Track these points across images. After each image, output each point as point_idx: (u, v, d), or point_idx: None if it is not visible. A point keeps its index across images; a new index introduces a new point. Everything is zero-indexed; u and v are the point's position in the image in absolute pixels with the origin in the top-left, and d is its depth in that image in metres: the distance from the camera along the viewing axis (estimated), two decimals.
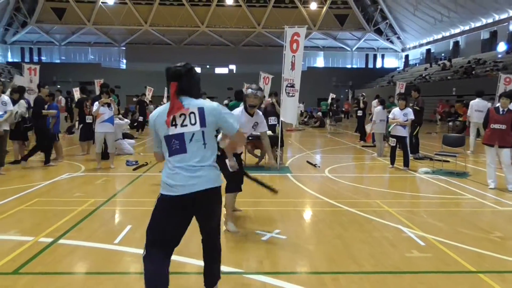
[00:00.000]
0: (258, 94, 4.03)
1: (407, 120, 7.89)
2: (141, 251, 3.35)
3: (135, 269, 3.19)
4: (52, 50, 45.29)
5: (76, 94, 17.64)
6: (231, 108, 9.19)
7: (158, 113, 2.40)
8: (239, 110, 4.22)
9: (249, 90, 4.07)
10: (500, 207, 5.28)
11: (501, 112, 6.15)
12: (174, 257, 3.35)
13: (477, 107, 10.40)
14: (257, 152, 8.42)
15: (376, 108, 10.31)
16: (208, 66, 44.88)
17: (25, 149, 8.54)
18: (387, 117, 10.62)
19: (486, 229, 4.30)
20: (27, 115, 8.41)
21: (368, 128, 11.86)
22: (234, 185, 4.14)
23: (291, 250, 3.66)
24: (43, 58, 44.12)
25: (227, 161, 3.77)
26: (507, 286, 2.90)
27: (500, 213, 5.08)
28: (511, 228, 4.48)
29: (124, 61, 45.99)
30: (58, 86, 33.07)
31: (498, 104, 6.34)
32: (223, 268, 3.19)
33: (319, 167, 8.17)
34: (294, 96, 7.42)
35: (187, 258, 3.38)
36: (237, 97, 8.96)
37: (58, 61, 44.59)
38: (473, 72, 25.80)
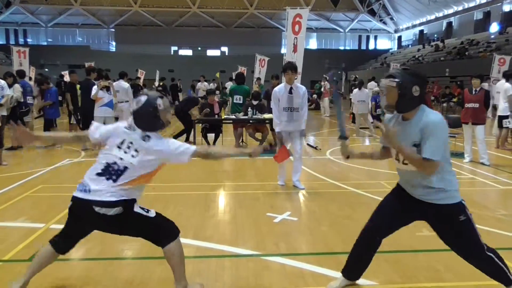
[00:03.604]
0: None
1: None
2: None
3: (153, 254, 3.20)
4: (39, 32, 43.95)
5: (66, 77, 17.31)
6: (232, 91, 9.12)
7: None
8: None
9: None
10: (501, 186, 5.41)
11: (473, 92, 6.67)
12: (191, 242, 3.41)
13: None
14: (258, 135, 8.41)
15: (354, 90, 10.50)
16: (199, 48, 44.16)
17: None
18: (378, 99, 10.81)
19: (490, 207, 4.41)
20: (22, 100, 8.23)
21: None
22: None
23: (305, 232, 3.72)
24: (29, 40, 42.81)
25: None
26: None
27: (501, 191, 5.21)
28: None
29: (114, 43, 44.94)
30: (46, 70, 32.29)
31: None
32: (241, 251, 3.24)
33: (319, 149, 8.22)
34: (296, 78, 7.35)
35: (204, 242, 3.41)
36: (238, 81, 8.86)
37: (45, 43, 43.32)
38: (466, 53, 25.88)
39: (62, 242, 2.51)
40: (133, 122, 2.40)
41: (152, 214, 2.43)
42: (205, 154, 2.51)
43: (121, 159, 2.33)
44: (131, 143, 2.35)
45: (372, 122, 10.61)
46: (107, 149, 2.41)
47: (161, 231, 2.42)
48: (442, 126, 2.16)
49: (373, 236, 2.52)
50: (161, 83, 17.34)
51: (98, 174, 2.33)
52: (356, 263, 2.61)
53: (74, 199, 2.37)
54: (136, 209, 2.38)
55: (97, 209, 2.27)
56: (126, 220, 2.35)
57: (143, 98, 2.39)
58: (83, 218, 2.39)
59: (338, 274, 2.82)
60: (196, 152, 2.42)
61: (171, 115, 2.59)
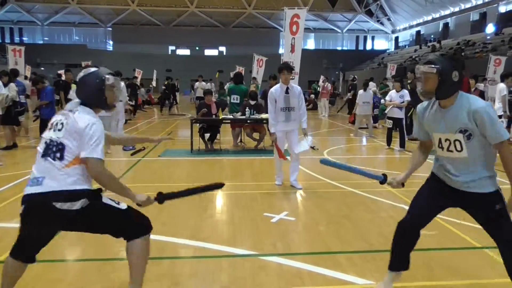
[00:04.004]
0: None
1: (403, 102, 7.98)
2: (151, 236, 3.35)
3: (153, 254, 3.19)
4: (35, 31, 43.76)
5: (63, 76, 17.25)
6: (230, 91, 9.12)
7: None
8: None
9: None
10: None
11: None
12: (188, 242, 3.41)
13: None
14: (256, 135, 8.41)
15: (360, 91, 10.52)
16: (197, 48, 44.15)
17: (16, 134, 8.34)
18: (375, 99, 10.91)
19: None
20: (17, 99, 8.18)
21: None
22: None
23: (302, 231, 3.72)
24: (24, 38, 42.57)
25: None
26: None
27: None
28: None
29: (111, 42, 44.81)
30: (42, 69, 32.16)
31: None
32: (239, 251, 3.24)
33: (317, 149, 8.23)
34: (293, 79, 7.39)
35: (201, 243, 3.40)
36: (236, 80, 8.86)
37: (41, 42, 43.13)
38: (463, 54, 26.00)
39: (24, 252, 2.16)
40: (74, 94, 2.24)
41: (123, 206, 2.19)
42: (104, 177, 2.09)
43: (51, 138, 2.12)
44: (60, 120, 2.14)
45: (374, 126, 10.68)
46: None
47: (132, 224, 2.20)
48: (492, 109, 2.16)
49: (415, 229, 2.43)
50: (165, 82, 17.34)
51: (43, 156, 2.10)
52: (403, 257, 2.51)
53: (27, 198, 2.06)
54: (105, 200, 2.15)
55: (58, 205, 1.98)
56: (94, 214, 2.09)
57: (93, 68, 2.22)
58: (41, 220, 2.03)
59: (335, 274, 2.83)
60: (102, 164, 2.08)
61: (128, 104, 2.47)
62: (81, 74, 2.22)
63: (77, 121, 2.08)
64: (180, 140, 9.59)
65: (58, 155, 2.07)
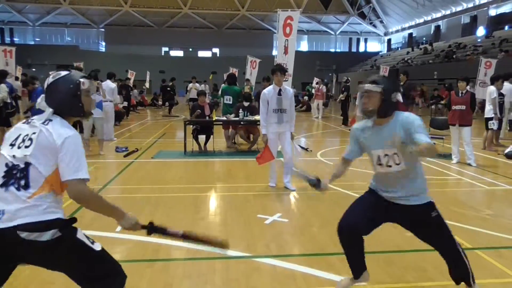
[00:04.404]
0: None
1: None
2: (143, 238, 3.34)
3: (142, 256, 3.18)
4: (26, 31, 43.30)
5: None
6: (223, 92, 9.11)
7: None
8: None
9: None
10: (487, 186, 5.51)
11: (460, 95, 6.83)
12: (181, 244, 3.39)
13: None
14: (249, 137, 8.42)
15: (358, 93, 10.54)
16: (191, 49, 44.06)
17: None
18: None
19: (476, 208, 4.49)
20: (9, 100, 8.09)
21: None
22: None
23: (295, 233, 3.73)
24: (15, 39, 42.09)
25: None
26: (504, 262, 3.05)
27: (487, 192, 5.31)
28: (499, 206, 4.71)
29: (103, 43, 44.51)
30: (34, 70, 31.83)
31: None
32: (232, 252, 3.23)
33: (310, 151, 8.25)
34: (287, 80, 7.42)
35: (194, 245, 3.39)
36: (229, 81, 8.86)
37: (32, 42, 42.68)
38: (454, 56, 26.34)
39: None
40: (42, 101, 1.85)
41: (97, 247, 1.83)
42: (89, 198, 1.83)
43: (14, 156, 1.73)
44: (27, 135, 1.76)
45: None
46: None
47: (104, 271, 1.84)
48: (420, 120, 2.32)
49: (357, 235, 2.49)
50: (170, 84, 17.32)
51: (3, 185, 1.71)
52: (357, 262, 2.59)
53: None
54: (80, 235, 1.79)
55: (24, 235, 1.64)
56: (63, 249, 1.72)
57: (63, 72, 1.90)
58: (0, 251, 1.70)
59: (329, 275, 2.84)
60: (85, 184, 1.80)
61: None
62: (50, 79, 1.87)
63: (51, 135, 1.74)
64: (174, 142, 9.56)
65: (22, 182, 1.70)
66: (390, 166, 2.35)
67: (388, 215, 2.48)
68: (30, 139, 1.74)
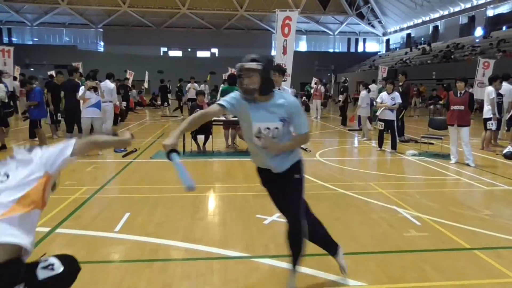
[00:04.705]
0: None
1: (394, 104, 8.03)
2: (142, 238, 3.33)
3: (140, 256, 3.17)
4: (24, 31, 43.21)
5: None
6: (223, 92, 9.09)
7: None
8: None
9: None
10: (485, 186, 5.52)
11: (458, 95, 6.83)
12: (180, 244, 3.39)
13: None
14: None
15: (362, 93, 10.52)
16: (189, 50, 44.04)
17: (5, 136, 8.21)
18: (371, 101, 10.98)
19: (475, 208, 4.50)
20: (6, 100, 8.07)
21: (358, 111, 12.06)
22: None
23: None
24: (13, 39, 42.02)
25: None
26: (502, 262, 3.06)
27: (485, 192, 5.31)
28: (497, 206, 4.72)
29: (102, 43, 44.44)
30: (32, 69, 31.76)
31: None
32: (231, 253, 3.23)
33: (309, 151, 8.25)
34: (286, 80, 7.42)
35: (193, 244, 3.39)
36: (230, 82, 8.85)
37: (30, 42, 42.62)
38: (452, 57, 26.40)
39: None
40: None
41: (58, 268, 1.81)
42: (89, 143, 2.01)
43: None
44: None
45: (369, 129, 10.67)
46: None
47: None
48: (299, 104, 2.50)
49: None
50: (178, 84, 17.31)
51: None
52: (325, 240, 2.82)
53: None
54: (41, 274, 1.74)
55: None
56: None
57: None
58: None
59: (328, 276, 2.84)
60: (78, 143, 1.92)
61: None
62: None
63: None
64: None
65: None
66: (274, 137, 2.44)
67: (276, 183, 2.60)
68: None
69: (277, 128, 2.42)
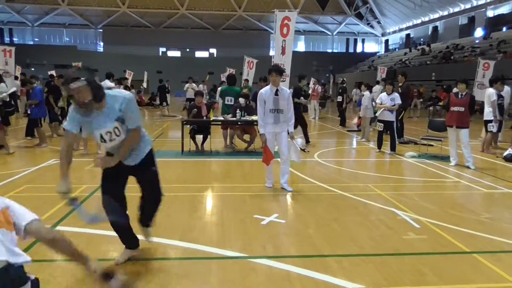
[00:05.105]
0: None
1: (394, 105, 8.01)
2: (141, 238, 3.31)
3: (138, 256, 3.14)
4: (25, 31, 43.25)
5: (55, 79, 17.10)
6: (222, 93, 9.06)
7: None
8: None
9: None
10: (485, 189, 5.50)
11: (459, 96, 6.80)
12: (178, 243, 3.37)
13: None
14: (246, 137, 8.39)
15: (366, 93, 10.45)
16: (188, 50, 44.03)
17: (6, 135, 8.19)
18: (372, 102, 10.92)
19: (474, 211, 4.47)
20: (7, 99, 8.06)
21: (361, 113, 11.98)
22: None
23: (292, 234, 3.70)
24: (15, 39, 42.08)
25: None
26: (502, 265, 3.03)
27: (485, 195, 5.29)
28: (497, 209, 4.68)
29: (101, 43, 44.44)
30: (32, 69, 31.71)
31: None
32: (228, 253, 3.21)
33: (308, 151, 8.23)
34: (284, 81, 7.40)
35: (190, 244, 3.37)
36: (230, 82, 8.83)
37: (31, 42, 42.66)
38: (452, 57, 26.37)
39: None
40: None
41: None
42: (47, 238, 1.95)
43: None
44: None
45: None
46: None
47: None
48: (133, 99, 2.64)
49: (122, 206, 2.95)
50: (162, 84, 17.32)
51: None
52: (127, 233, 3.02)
53: None
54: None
55: None
56: None
57: None
58: None
59: (325, 277, 2.82)
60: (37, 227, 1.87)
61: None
62: None
63: None
64: (171, 142, 9.51)
65: None
66: (113, 140, 2.64)
67: (128, 174, 2.91)
68: None
69: (116, 128, 2.60)
